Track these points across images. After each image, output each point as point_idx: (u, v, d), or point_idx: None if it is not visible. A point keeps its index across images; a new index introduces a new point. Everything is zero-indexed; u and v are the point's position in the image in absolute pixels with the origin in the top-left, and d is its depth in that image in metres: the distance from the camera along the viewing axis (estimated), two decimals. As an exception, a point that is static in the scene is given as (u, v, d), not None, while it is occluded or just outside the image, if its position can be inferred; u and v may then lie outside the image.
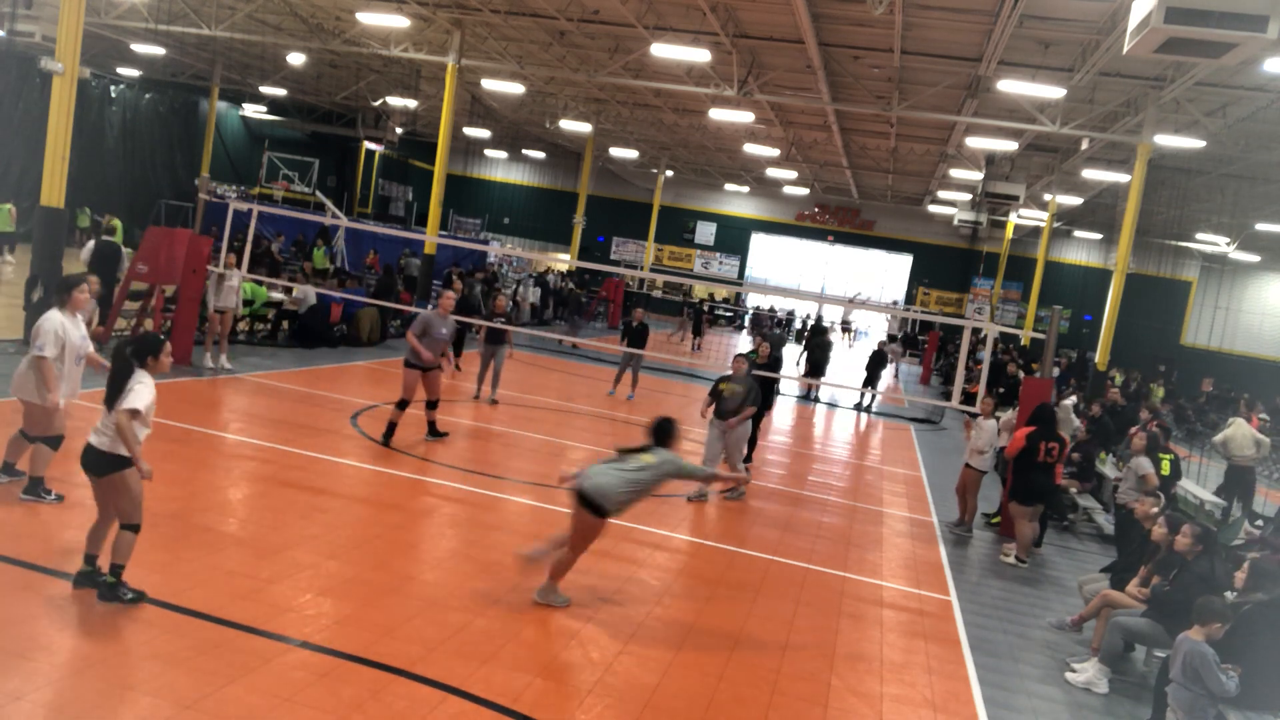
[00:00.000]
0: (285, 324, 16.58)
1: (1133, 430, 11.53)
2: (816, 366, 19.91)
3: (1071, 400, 15.35)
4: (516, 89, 25.11)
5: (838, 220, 42.51)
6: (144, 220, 27.41)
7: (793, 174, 34.55)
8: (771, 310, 41.42)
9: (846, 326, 41.74)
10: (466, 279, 21.67)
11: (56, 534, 6.18)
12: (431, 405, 10.45)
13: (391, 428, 10.01)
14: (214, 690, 4.54)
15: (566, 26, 19.67)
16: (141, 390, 5.28)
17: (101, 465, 5.25)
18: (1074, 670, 6.69)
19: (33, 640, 4.75)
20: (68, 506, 6.61)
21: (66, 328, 6.63)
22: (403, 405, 9.97)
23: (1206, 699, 5.41)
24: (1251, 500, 13.38)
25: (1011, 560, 9.50)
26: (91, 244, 14.43)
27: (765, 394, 11.98)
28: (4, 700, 4.18)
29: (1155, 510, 7.74)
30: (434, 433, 10.53)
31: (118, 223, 20.42)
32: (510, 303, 14.39)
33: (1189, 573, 6.46)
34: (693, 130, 30.71)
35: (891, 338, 25.09)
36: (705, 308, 32.57)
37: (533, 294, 28.91)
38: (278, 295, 16.31)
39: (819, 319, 34.89)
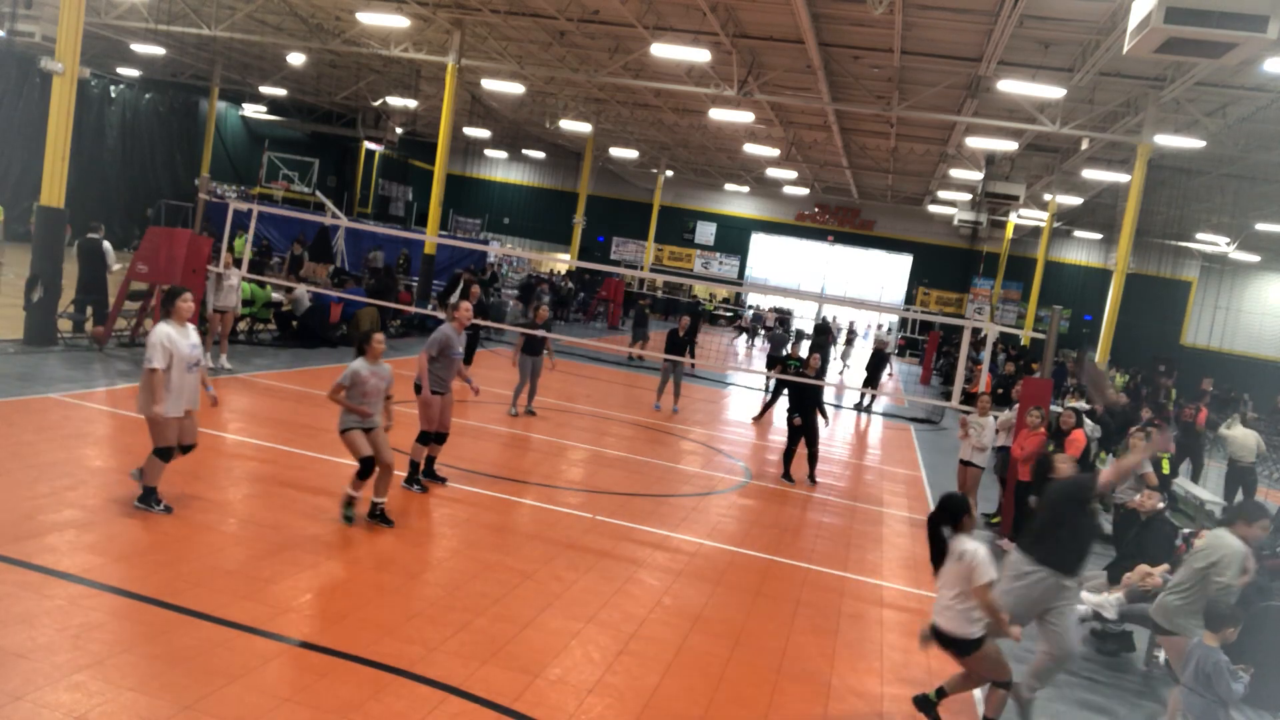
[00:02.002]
0: (286, 325, 16.55)
1: (1132, 430, 11.53)
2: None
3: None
4: (516, 89, 25.12)
5: (838, 220, 42.52)
6: (144, 220, 27.43)
7: (793, 174, 34.54)
8: (774, 310, 41.35)
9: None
10: (484, 284, 21.28)
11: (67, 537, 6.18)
12: (439, 439, 8.63)
13: (415, 468, 8.55)
14: (214, 690, 4.54)
15: (566, 26, 19.67)
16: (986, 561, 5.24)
17: (962, 648, 5.28)
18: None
19: (33, 640, 4.75)
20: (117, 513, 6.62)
21: (174, 338, 6.65)
22: (425, 439, 8.50)
23: (1218, 704, 5.37)
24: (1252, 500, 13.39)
25: None
26: (75, 244, 14.28)
27: (813, 401, 11.70)
28: (4, 700, 4.18)
29: (1162, 505, 7.74)
30: (431, 473, 8.73)
31: (0, 211, 20.17)
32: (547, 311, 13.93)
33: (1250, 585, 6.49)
34: (693, 130, 30.71)
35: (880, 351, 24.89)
36: (712, 309, 32.43)
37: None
38: (277, 296, 16.30)
39: (817, 318, 34.87)
